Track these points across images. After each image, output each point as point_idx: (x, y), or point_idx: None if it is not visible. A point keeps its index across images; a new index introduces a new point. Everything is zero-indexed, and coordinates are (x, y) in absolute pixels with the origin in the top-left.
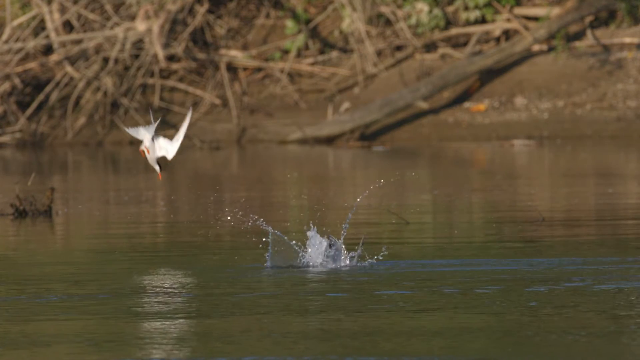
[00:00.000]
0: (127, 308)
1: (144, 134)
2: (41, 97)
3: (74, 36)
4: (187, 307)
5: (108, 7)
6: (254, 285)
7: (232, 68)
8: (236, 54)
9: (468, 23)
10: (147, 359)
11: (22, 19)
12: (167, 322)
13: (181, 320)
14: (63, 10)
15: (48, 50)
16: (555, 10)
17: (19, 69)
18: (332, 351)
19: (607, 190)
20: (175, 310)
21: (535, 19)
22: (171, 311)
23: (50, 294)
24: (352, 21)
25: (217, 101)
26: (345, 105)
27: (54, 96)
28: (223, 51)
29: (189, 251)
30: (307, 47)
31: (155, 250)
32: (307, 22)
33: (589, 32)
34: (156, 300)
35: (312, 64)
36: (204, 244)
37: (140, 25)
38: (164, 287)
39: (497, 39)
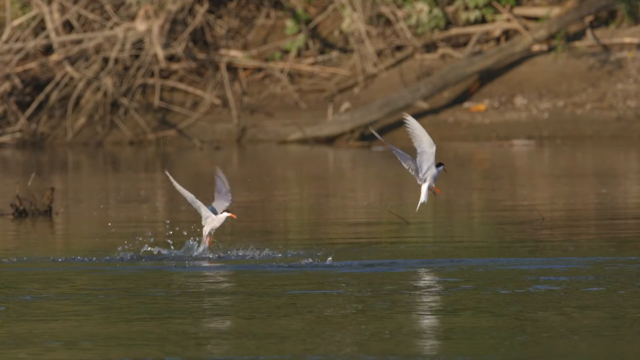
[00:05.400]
0: (127, 308)
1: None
2: (41, 97)
3: (74, 36)
4: (188, 307)
5: (108, 7)
6: (277, 283)
7: (232, 68)
8: (236, 54)
9: (468, 23)
10: (143, 358)
11: (22, 19)
12: (165, 322)
13: (181, 321)
14: (63, 10)
15: (48, 50)
16: (555, 10)
17: (19, 69)
18: (330, 350)
19: (607, 190)
20: (176, 310)
21: (535, 19)
22: (171, 311)
23: (49, 294)
24: (352, 21)
25: (217, 101)
26: (345, 105)
27: (54, 96)
28: (223, 51)
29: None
30: (307, 47)
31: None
32: (307, 22)
33: (589, 32)
34: (156, 300)
35: (312, 64)
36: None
37: (140, 25)
38: (164, 288)
39: (497, 39)
